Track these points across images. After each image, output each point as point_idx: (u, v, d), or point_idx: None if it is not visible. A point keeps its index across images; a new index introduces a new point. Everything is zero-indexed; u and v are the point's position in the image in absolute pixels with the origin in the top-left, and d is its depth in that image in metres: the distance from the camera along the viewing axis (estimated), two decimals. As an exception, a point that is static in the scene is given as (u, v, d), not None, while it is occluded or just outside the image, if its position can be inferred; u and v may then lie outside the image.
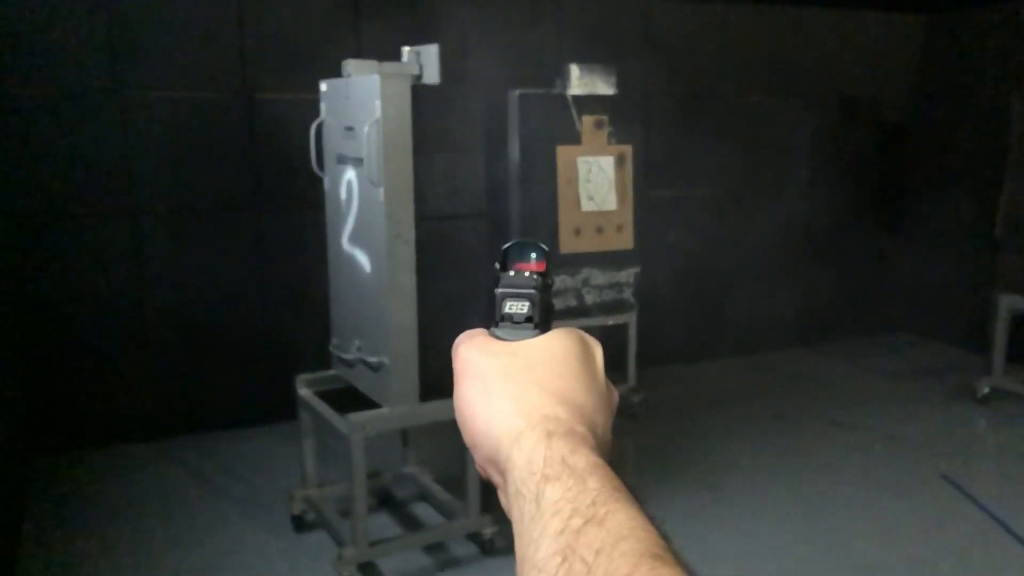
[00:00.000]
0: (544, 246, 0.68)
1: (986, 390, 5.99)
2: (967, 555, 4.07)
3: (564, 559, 0.47)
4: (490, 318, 0.66)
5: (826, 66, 7.04)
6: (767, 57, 6.80)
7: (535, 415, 0.58)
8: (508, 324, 0.64)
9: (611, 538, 0.47)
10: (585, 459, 0.54)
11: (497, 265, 0.67)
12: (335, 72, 3.71)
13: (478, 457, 0.62)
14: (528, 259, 0.67)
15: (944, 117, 7.28)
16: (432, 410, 3.62)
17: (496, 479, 0.60)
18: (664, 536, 0.49)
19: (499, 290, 0.65)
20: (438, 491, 4.27)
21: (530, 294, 0.65)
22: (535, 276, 0.66)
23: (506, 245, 0.68)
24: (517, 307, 0.64)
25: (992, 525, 4.30)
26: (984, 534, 4.24)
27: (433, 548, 4.03)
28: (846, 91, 7.17)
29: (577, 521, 0.49)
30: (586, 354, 0.64)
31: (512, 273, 0.66)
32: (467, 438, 0.62)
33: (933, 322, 7.46)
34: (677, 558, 0.48)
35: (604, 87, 5.24)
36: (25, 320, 4.81)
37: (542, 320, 0.65)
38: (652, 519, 0.50)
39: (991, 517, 4.37)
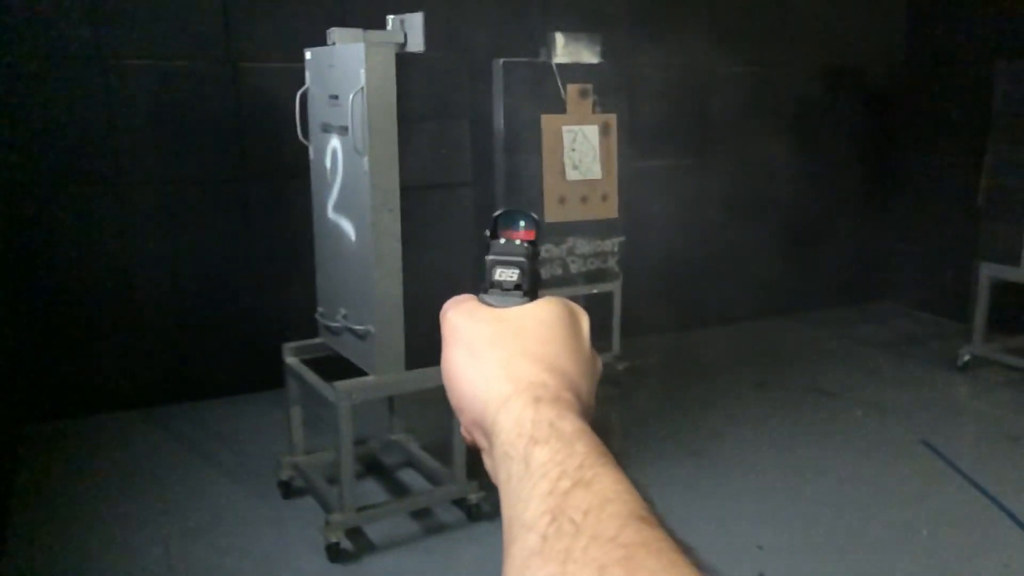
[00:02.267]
0: (534, 215, 0.69)
1: (967, 358, 6.07)
2: (946, 520, 4.14)
3: (553, 518, 0.48)
4: (479, 285, 0.66)
5: (812, 35, 7.01)
6: (752, 26, 6.78)
7: (522, 381, 0.58)
8: (497, 291, 0.65)
9: (598, 500, 0.49)
10: (572, 424, 0.55)
11: (487, 232, 0.68)
12: (320, 40, 3.69)
13: (464, 420, 0.62)
14: (518, 227, 0.68)
15: (929, 86, 7.29)
16: (418, 378, 3.63)
17: (482, 442, 0.61)
18: (648, 500, 0.50)
19: (489, 257, 0.66)
20: (424, 458, 4.31)
21: (520, 262, 0.66)
22: (525, 244, 0.67)
23: (496, 213, 0.69)
24: (507, 274, 0.65)
25: (971, 490, 4.38)
26: (963, 499, 4.32)
27: (420, 514, 4.07)
28: (831, 60, 7.16)
29: (565, 483, 0.50)
30: (573, 322, 0.64)
31: (502, 241, 0.67)
32: (454, 402, 0.63)
33: (915, 291, 7.52)
34: (660, 521, 0.49)
35: (589, 56, 5.23)
36: (13, 290, 4.78)
37: (530, 288, 0.66)
38: (636, 484, 0.51)
39: (970, 482, 4.44)
